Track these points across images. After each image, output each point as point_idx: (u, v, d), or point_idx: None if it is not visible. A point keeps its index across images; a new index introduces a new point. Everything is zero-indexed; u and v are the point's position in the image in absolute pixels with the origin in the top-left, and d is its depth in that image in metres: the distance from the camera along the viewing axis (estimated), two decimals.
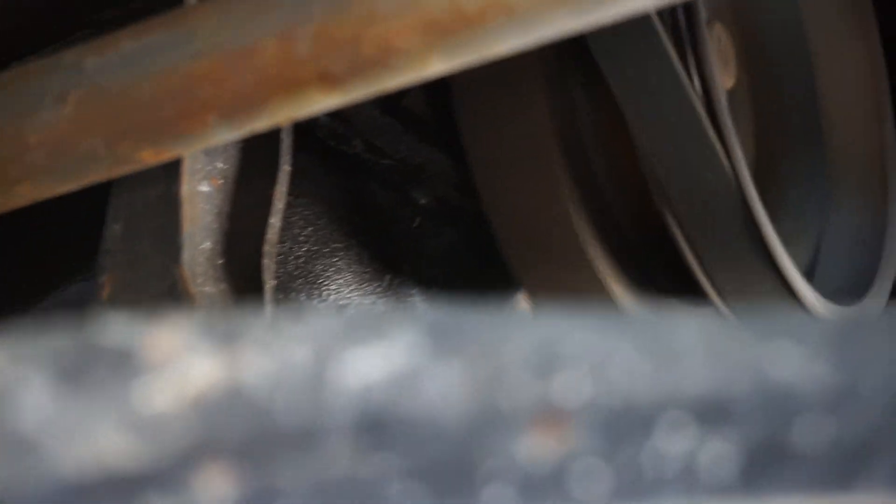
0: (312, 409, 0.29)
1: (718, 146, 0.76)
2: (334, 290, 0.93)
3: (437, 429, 0.29)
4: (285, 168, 0.80)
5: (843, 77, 1.07)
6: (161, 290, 0.69)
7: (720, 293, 0.81)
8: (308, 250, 0.92)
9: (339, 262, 0.94)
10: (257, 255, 0.78)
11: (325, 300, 0.93)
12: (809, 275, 0.98)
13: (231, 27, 0.55)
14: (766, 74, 1.08)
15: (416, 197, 0.97)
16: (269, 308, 0.77)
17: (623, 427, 0.30)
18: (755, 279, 0.79)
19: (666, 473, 0.29)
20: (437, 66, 0.53)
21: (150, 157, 0.59)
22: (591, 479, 0.29)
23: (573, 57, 0.82)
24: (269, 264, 0.78)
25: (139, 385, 0.29)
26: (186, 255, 0.69)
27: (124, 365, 0.29)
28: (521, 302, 1.13)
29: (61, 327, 0.30)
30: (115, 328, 0.30)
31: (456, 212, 1.00)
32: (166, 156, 0.59)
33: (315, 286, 0.92)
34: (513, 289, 1.07)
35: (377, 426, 0.29)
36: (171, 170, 0.70)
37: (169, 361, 0.29)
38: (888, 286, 0.98)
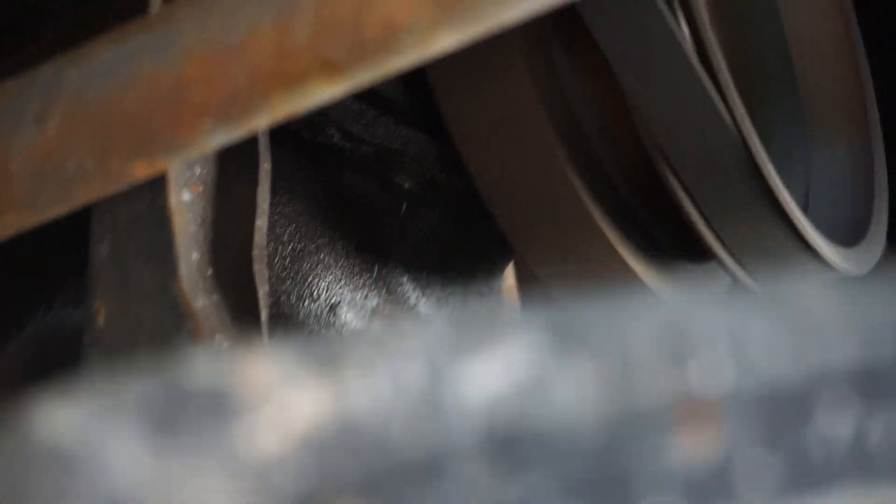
0: (436, 434, 0.26)
1: (716, 95, 0.73)
2: (324, 287, 0.90)
3: (576, 438, 0.26)
4: (265, 166, 0.77)
5: (813, 18, 1.05)
6: (160, 309, 0.65)
7: (728, 249, 0.78)
8: (293, 249, 0.89)
9: (326, 258, 0.90)
10: (247, 260, 0.74)
11: (316, 299, 0.89)
12: None
13: (219, 20, 0.51)
14: (736, 21, 1.05)
15: (400, 181, 0.94)
16: (265, 315, 0.74)
17: (777, 412, 0.27)
18: (764, 230, 0.77)
19: (836, 458, 0.26)
20: (445, 41, 0.50)
21: (144, 171, 0.55)
22: (757, 475, 0.26)
23: (551, 15, 0.79)
24: (260, 269, 0.75)
25: (240, 428, 0.26)
26: (183, 269, 0.65)
27: (221, 407, 0.26)
28: (508, 279, 1.10)
29: (143, 372, 0.26)
30: (203, 367, 0.26)
31: (441, 192, 0.96)
32: (159, 167, 0.56)
33: (304, 285, 0.89)
34: (502, 264, 1.04)
35: (510, 444, 0.26)
36: (154, 181, 0.66)
37: (268, 398, 0.26)
38: (885, 224, 0.96)
